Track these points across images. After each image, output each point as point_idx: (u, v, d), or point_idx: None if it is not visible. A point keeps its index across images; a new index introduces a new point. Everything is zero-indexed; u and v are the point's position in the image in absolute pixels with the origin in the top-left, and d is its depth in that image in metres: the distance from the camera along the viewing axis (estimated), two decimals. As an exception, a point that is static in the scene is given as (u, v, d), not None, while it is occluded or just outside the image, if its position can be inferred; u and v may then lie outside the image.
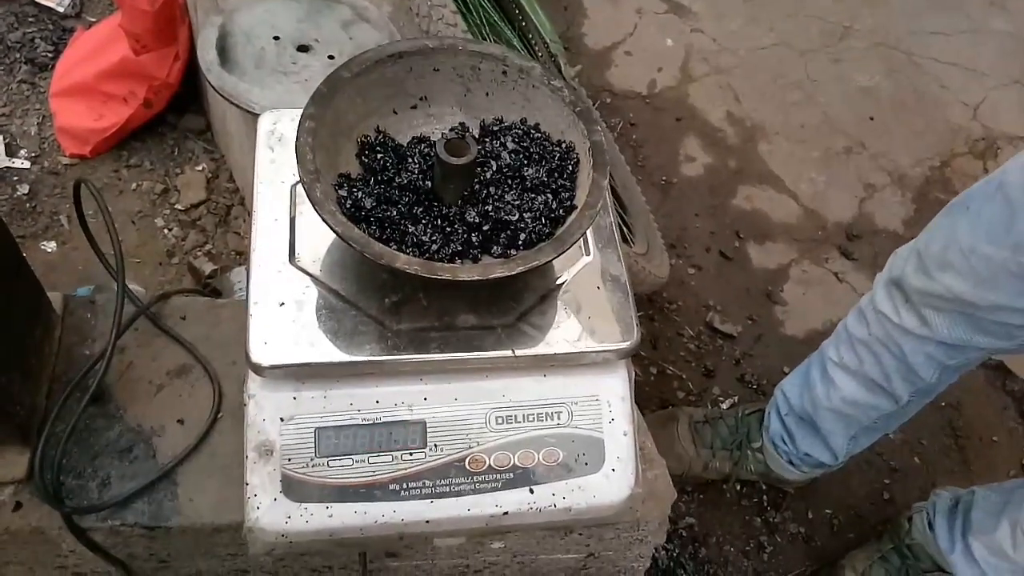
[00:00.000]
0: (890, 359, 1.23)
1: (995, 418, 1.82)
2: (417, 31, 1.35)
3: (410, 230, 0.80)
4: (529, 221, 0.82)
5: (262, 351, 0.79)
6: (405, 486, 0.82)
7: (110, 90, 1.67)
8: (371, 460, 0.82)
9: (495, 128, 0.88)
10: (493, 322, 0.83)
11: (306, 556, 0.97)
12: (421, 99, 0.89)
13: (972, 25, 2.52)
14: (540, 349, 0.83)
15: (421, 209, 0.82)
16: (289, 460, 0.80)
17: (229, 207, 1.67)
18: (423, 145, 0.86)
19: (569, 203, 0.83)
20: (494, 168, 0.85)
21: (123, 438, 0.91)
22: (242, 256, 1.60)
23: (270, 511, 0.79)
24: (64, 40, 1.89)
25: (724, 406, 1.72)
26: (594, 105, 1.94)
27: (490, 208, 0.82)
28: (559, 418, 0.86)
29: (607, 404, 0.87)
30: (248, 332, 0.79)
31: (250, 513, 0.79)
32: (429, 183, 0.83)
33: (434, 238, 0.80)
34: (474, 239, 0.81)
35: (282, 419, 0.81)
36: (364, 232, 0.76)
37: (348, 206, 0.79)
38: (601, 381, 0.87)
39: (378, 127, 0.86)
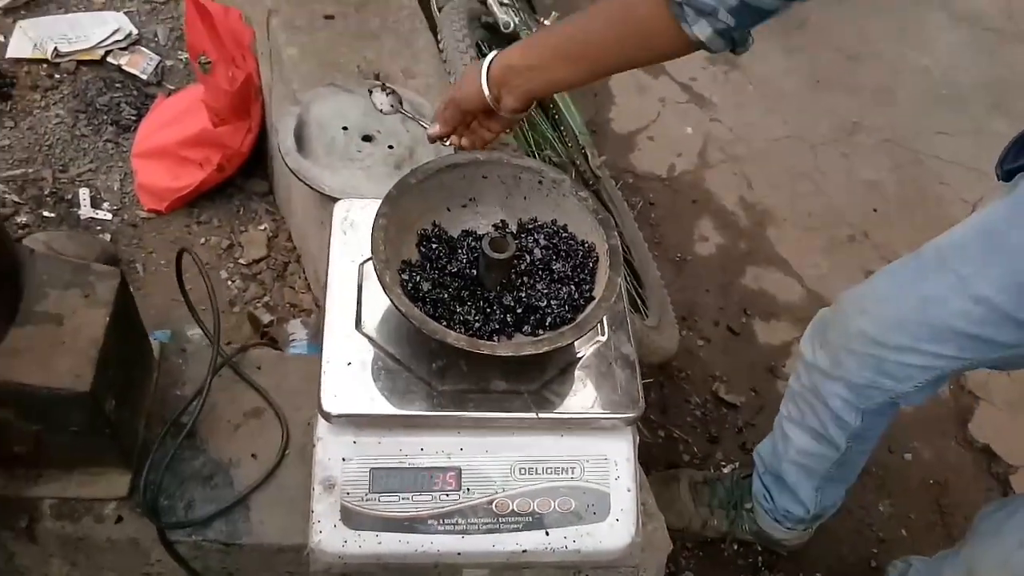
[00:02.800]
0: (820, 406, 1.38)
1: (979, 498, 1.94)
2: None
3: (457, 310, 0.97)
4: (555, 307, 0.98)
5: (332, 402, 0.95)
6: (442, 522, 0.96)
7: (188, 155, 1.88)
8: (415, 498, 0.97)
9: (530, 226, 1.06)
10: (520, 388, 0.98)
11: (350, 579, 1.13)
12: (470, 199, 1.06)
13: (974, 126, 2.69)
14: (559, 413, 0.97)
15: (467, 293, 0.99)
16: (348, 494, 0.95)
17: (286, 264, 1.87)
18: (470, 238, 1.03)
19: (589, 294, 1.00)
20: (528, 261, 1.02)
21: (206, 467, 1.08)
22: (296, 308, 1.79)
23: (330, 536, 0.94)
24: (146, 105, 2.11)
25: (725, 471, 1.86)
26: (617, 185, 2.12)
27: (523, 295, 0.99)
28: (572, 472, 1.00)
29: (614, 463, 1.00)
30: (321, 385, 0.96)
31: (313, 536, 0.94)
32: (475, 271, 1.00)
33: (477, 318, 0.97)
34: (509, 320, 0.98)
35: (344, 459, 0.96)
36: (420, 310, 0.93)
37: (409, 288, 0.97)
38: (609, 443, 1.01)
39: (434, 222, 1.04)
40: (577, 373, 1.02)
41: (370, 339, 1.00)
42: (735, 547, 1.76)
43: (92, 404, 0.89)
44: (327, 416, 0.95)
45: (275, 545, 1.05)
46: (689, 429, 1.93)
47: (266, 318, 1.72)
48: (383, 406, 0.96)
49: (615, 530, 1.00)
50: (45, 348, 0.89)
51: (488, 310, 0.98)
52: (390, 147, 1.43)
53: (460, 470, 0.98)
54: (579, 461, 1.00)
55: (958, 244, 1.19)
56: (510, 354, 0.91)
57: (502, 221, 1.07)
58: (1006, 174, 1.18)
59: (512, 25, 1.67)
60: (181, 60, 2.25)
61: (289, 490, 1.08)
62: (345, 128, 1.44)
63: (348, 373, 0.98)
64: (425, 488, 0.97)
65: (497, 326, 0.98)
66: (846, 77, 2.80)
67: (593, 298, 0.99)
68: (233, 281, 1.83)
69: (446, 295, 0.98)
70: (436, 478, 0.98)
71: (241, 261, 1.86)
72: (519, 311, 0.98)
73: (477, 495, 0.98)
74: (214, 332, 1.04)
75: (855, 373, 1.30)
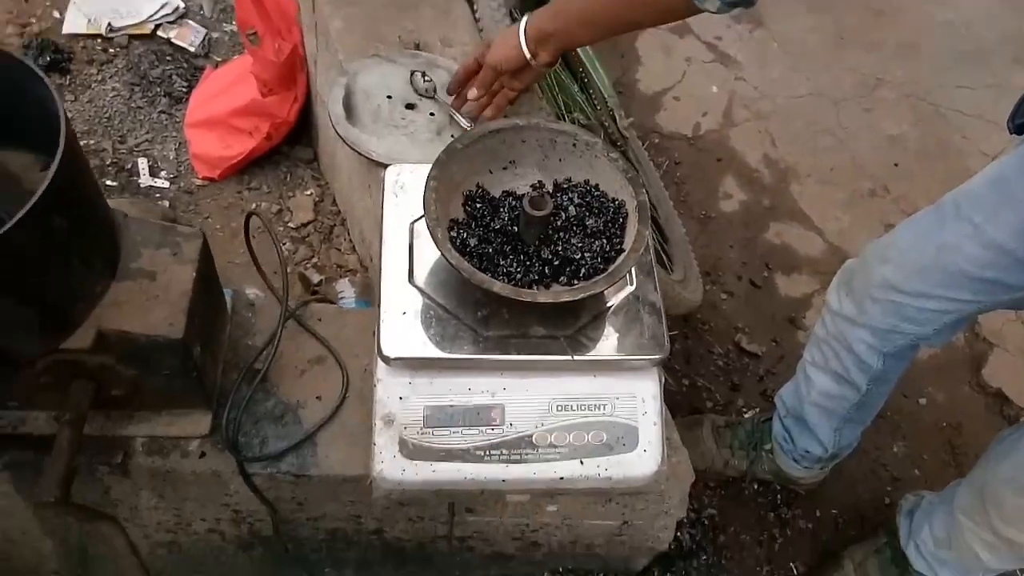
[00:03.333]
0: (844, 351, 1.47)
1: (991, 438, 2.02)
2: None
3: (501, 263, 1.08)
4: (588, 259, 1.09)
5: (390, 347, 1.07)
6: (488, 453, 1.09)
7: (239, 125, 1.99)
8: (464, 432, 1.09)
9: (565, 186, 1.16)
10: (557, 333, 1.09)
11: (406, 507, 1.26)
12: (511, 162, 1.17)
13: (996, 80, 2.72)
14: (592, 355, 1.09)
15: (509, 247, 1.10)
16: (405, 428, 1.08)
17: (332, 227, 1.99)
18: (511, 198, 1.14)
19: (619, 247, 1.10)
20: (563, 218, 1.13)
21: (276, 408, 1.21)
22: (343, 268, 1.91)
23: (391, 465, 1.07)
24: (196, 76, 2.23)
25: (746, 416, 1.97)
26: (644, 145, 2.21)
27: (560, 248, 1.10)
28: (604, 409, 1.11)
29: (642, 400, 1.12)
30: (379, 332, 1.08)
31: (376, 466, 1.07)
32: (515, 228, 1.11)
33: (518, 269, 1.08)
34: (547, 271, 1.09)
35: (401, 398, 1.09)
36: (468, 263, 1.05)
37: (457, 243, 1.08)
38: (638, 383, 1.13)
39: (478, 183, 1.15)
40: (608, 319, 1.12)
41: (421, 291, 1.11)
42: (755, 486, 1.86)
43: (183, 349, 1.02)
44: (386, 359, 1.07)
45: (340, 476, 1.17)
46: (712, 378, 2.03)
47: (315, 278, 1.85)
48: (434, 350, 1.08)
49: (643, 460, 1.12)
50: (142, 300, 1.01)
51: (528, 262, 1.09)
52: (431, 114, 1.53)
53: (504, 407, 1.10)
54: (610, 398, 1.12)
55: (972, 194, 1.27)
56: (549, 301, 1.02)
57: (539, 182, 1.17)
58: (1017, 128, 1.25)
59: (542, -6, 1.75)
60: (226, 32, 2.35)
61: (350, 427, 1.20)
62: (390, 97, 1.54)
63: (403, 321, 1.09)
64: (473, 423, 1.10)
65: (536, 277, 1.08)
66: (869, 33, 2.84)
67: (623, 250, 1.09)
68: (283, 244, 1.95)
69: (490, 249, 1.09)
70: (482, 414, 1.10)
71: (290, 225, 1.99)
72: (556, 263, 1.09)
73: (519, 429, 1.10)
74: (282, 288, 1.16)
75: (879, 319, 1.39)
